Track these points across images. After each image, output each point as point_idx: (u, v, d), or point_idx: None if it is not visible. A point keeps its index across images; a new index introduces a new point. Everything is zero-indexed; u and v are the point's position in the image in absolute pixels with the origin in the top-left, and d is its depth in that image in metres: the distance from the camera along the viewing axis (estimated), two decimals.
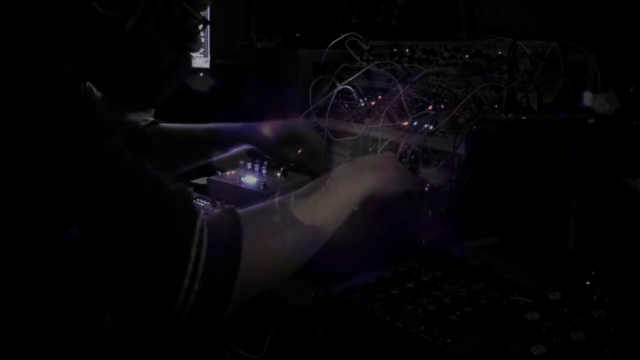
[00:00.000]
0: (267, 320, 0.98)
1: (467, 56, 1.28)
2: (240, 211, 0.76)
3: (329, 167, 1.17)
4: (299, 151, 1.23)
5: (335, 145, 1.28)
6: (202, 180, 1.36)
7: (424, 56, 1.39)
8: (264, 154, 1.26)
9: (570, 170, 0.98)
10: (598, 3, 1.33)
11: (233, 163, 1.31)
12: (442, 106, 1.20)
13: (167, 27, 0.81)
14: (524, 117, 0.99)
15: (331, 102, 1.33)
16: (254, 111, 1.74)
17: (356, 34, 1.42)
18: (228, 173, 1.30)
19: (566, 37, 1.15)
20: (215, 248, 0.69)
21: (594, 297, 0.77)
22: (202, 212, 0.72)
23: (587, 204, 1.04)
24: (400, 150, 1.14)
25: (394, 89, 1.25)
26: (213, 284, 0.68)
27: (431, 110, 1.20)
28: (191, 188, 0.76)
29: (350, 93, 1.39)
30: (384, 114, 1.20)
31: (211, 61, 2.15)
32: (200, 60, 2.15)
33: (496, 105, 1.06)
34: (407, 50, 1.43)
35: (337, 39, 1.42)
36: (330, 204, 0.84)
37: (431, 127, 1.15)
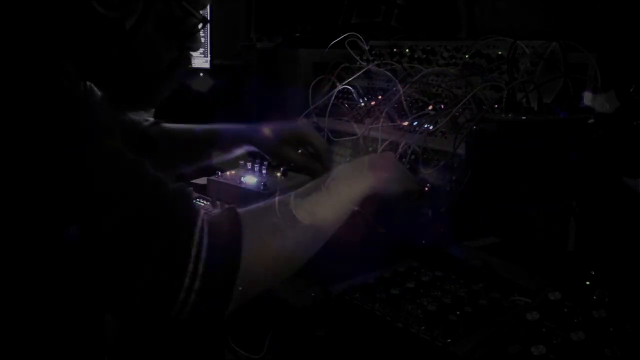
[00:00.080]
0: (267, 320, 0.98)
1: (467, 56, 1.28)
2: (240, 211, 0.76)
3: (329, 167, 1.17)
4: (299, 151, 1.23)
5: (335, 145, 1.27)
6: (202, 180, 1.36)
7: (424, 56, 1.39)
8: (266, 155, 1.25)
9: (570, 170, 0.98)
10: (598, 3, 1.33)
11: (233, 163, 1.31)
12: (442, 106, 1.20)
13: (166, 26, 0.81)
14: (524, 117, 0.99)
15: (331, 102, 1.33)
16: (254, 111, 1.75)
17: (356, 34, 1.42)
18: (228, 173, 1.30)
19: (566, 37, 1.15)
20: (215, 247, 0.69)
21: (594, 297, 0.77)
22: (202, 211, 0.72)
23: (587, 204, 1.04)
24: (400, 150, 1.14)
25: (394, 89, 1.25)
26: (213, 284, 0.68)
27: (431, 110, 1.20)
28: (191, 188, 0.76)
29: (350, 93, 1.39)
30: (384, 114, 1.20)
31: (211, 61, 2.15)
32: (200, 60, 2.15)
33: (496, 105, 1.06)
34: (407, 50, 1.43)
35: (337, 39, 1.42)
36: (330, 203, 0.84)
37: (431, 127, 1.15)
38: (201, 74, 2.16)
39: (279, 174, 1.28)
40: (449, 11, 1.71)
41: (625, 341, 0.69)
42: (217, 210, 1.14)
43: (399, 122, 1.19)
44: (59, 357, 0.81)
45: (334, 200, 0.85)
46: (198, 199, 1.25)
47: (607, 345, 0.68)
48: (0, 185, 0.64)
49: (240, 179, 1.26)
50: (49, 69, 0.67)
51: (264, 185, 1.20)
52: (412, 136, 1.14)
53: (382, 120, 1.20)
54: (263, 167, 1.29)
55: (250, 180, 1.25)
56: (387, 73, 1.33)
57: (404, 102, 1.21)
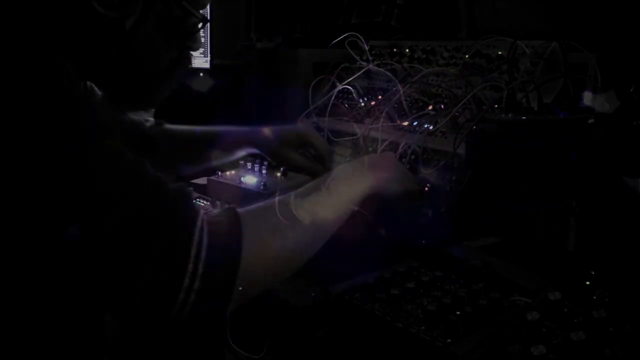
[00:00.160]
0: (267, 320, 0.98)
1: (467, 56, 1.28)
2: (240, 210, 0.76)
3: (330, 168, 1.17)
4: (299, 151, 1.23)
5: (335, 145, 1.27)
6: (202, 180, 1.36)
7: (424, 56, 1.39)
8: (267, 157, 1.25)
9: (570, 170, 0.98)
10: (598, 3, 1.33)
11: (233, 163, 1.31)
12: (442, 106, 1.20)
13: (166, 26, 0.81)
14: (524, 117, 0.99)
15: (331, 102, 1.33)
16: (254, 111, 1.75)
17: (356, 34, 1.42)
18: (228, 173, 1.30)
19: (566, 37, 1.15)
20: (215, 247, 0.69)
21: (594, 297, 0.77)
22: (202, 211, 0.72)
23: (587, 204, 1.04)
24: (400, 150, 1.13)
25: (394, 89, 1.25)
26: (213, 283, 0.68)
27: (431, 110, 1.20)
28: (191, 188, 0.76)
29: (350, 93, 1.39)
30: (384, 114, 1.20)
31: (211, 61, 2.15)
32: (200, 60, 2.15)
33: (496, 105, 1.06)
34: (407, 50, 1.43)
35: (337, 39, 1.42)
36: (331, 203, 0.84)
37: (431, 127, 1.15)
38: (201, 74, 2.16)
39: (279, 174, 1.28)
40: (449, 11, 1.71)
41: (625, 341, 0.69)
42: (217, 210, 1.14)
43: (399, 122, 1.19)
44: (59, 357, 0.81)
45: (334, 200, 0.85)
46: (198, 199, 1.25)
47: (607, 345, 0.68)
48: (1, 185, 0.64)
49: (240, 179, 1.26)
50: (50, 69, 0.67)
51: (264, 185, 1.20)
52: (412, 136, 1.14)
53: (382, 120, 1.19)
54: (263, 167, 1.29)
55: (250, 180, 1.25)
56: (387, 73, 1.33)
57: (404, 102, 1.21)
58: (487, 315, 0.80)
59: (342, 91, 1.39)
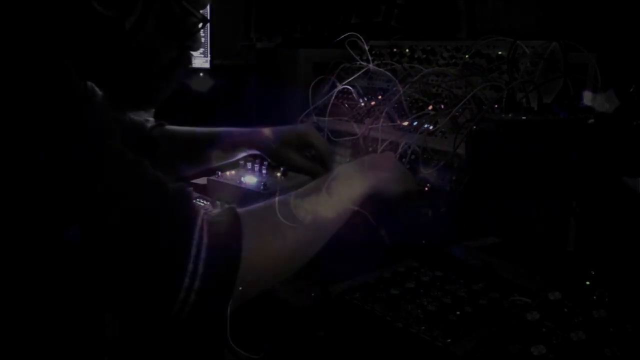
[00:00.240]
0: (267, 320, 0.98)
1: (467, 56, 1.28)
2: (240, 210, 0.76)
3: (331, 168, 1.17)
4: (299, 151, 1.22)
5: (335, 145, 1.27)
6: (202, 180, 1.36)
7: (424, 56, 1.39)
8: (268, 158, 1.24)
9: (570, 170, 0.98)
10: (598, 3, 1.33)
11: (233, 163, 1.31)
12: (442, 106, 1.20)
13: (166, 26, 0.81)
14: (524, 117, 0.99)
15: (331, 102, 1.33)
16: (253, 111, 1.75)
17: (356, 34, 1.42)
18: (228, 173, 1.30)
19: (566, 37, 1.15)
20: (215, 247, 0.69)
21: (594, 297, 0.77)
22: (202, 211, 0.72)
23: (587, 204, 1.03)
24: (400, 150, 1.14)
25: (394, 89, 1.25)
26: (213, 283, 0.68)
27: (431, 110, 1.20)
28: (191, 188, 0.76)
29: (350, 93, 1.39)
30: (384, 114, 1.20)
31: (211, 61, 2.15)
32: (200, 60, 2.15)
33: (496, 105, 1.06)
34: (407, 50, 1.43)
35: (337, 39, 1.42)
36: (331, 203, 0.84)
37: (431, 127, 1.15)
38: (201, 74, 2.15)
39: (279, 174, 1.28)
40: (449, 11, 1.71)
41: (625, 341, 0.69)
42: (217, 210, 1.14)
43: (399, 122, 1.19)
44: (59, 357, 0.81)
45: (334, 200, 0.85)
46: (198, 199, 1.25)
47: (607, 345, 0.68)
48: (1, 184, 0.64)
49: (240, 179, 1.26)
50: (50, 68, 0.67)
51: (264, 185, 1.20)
52: (412, 136, 1.14)
53: (382, 120, 1.20)
54: (263, 167, 1.29)
55: (250, 180, 1.25)
56: (387, 73, 1.33)
57: (404, 102, 1.22)
58: (487, 315, 0.80)
59: (342, 91, 1.39)
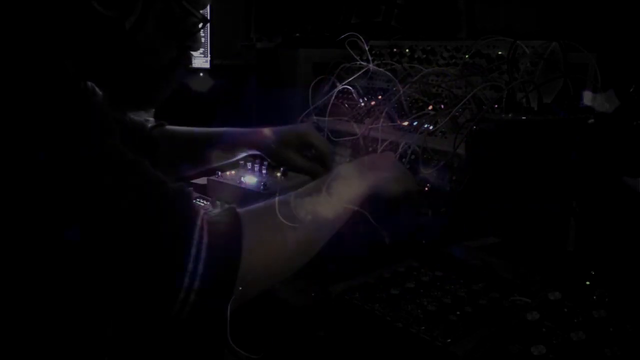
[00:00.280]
0: (267, 320, 0.98)
1: (467, 56, 1.28)
2: (240, 210, 0.76)
3: (331, 168, 1.17)
4: (299, 151, 1.22)
5: (335, 145, 1.27)
6: (202, 180, 1.36)
7: (424, 56, 1.39)
8: (268, 159, 1.24)
9: (570, 170, 0.98)
10: (598, 3, 1.33)
11: (233, 163, 1.31)
12: (442, 106, 1.20)
13: (166, 25, 0.81)
14: (524, 117, 0.99)
15: (331, 102, 1.33)
16: (253, 111, 1.75)
17: (356, 34, 1.42)
18: (228, 173, 1.30)
19: (566, 37, 1.15)
20: (215, 247, 0.69)
21: (594, 297, 0.77)
22: (202, 211, 0.72)
23: (587, 204, 1.03)
24: (400, 150, 1.14)
25: (394, 89, 1.25)
26: (213, 283, 0.68)
27: (431, 110, 1.20)
28: (191, 188, 0.76)
29: (350, 93, 1.39)
30: (384, 114, 1.20)
31: (211, 61, 2.15)
32: (200, 60, 2.15)
33: (496, 105, 1.06)
34: (407, 50, 1.43)
35: (337, 39, 1.42)
36: (331, 203, 0.84)
37: (431, 127, 1.15)
38: (201, 74, 2.15)
39: (279, 174, 1.28)
40: (449, 11, 1.72)
41: (625, 341, 0.69)
42: (217, 210, 1.13)
43: (399, 122, 1.19)
44: (60, 357, 0.81)
45: (334, 200, 0.85)
46: (198, 199, 1.25)
47: (607, 345, 0.68)
48: (1, 184, 0.64)
49: (240, 179, 1.26)
50: (50, 68, 0.67)
51: (264, 185, 1.20)
52: (412, 136, 1.14)
53: (382, 120, 1.20)
54: (263, 167, 1.29)
55: (250, 180, 1.25)
56: (387, 73, 1.33)
57: (404, 102, 1.22)
58: (487, 315, 0.80)
59: (342, 91, 1.39)
